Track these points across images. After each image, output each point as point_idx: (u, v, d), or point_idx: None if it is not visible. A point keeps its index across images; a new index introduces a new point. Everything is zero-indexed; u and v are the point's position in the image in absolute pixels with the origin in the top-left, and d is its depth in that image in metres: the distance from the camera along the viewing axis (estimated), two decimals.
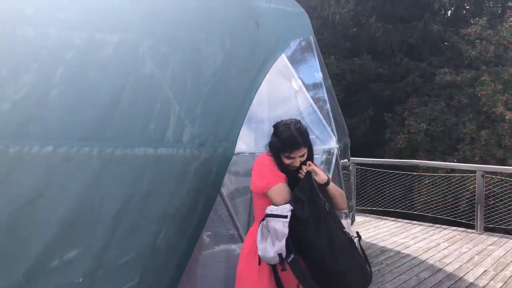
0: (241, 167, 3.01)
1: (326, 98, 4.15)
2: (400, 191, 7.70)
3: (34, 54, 2.11)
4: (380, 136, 12.75)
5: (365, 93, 13.81)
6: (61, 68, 2.15)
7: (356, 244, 2.17)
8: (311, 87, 4.12)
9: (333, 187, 2.24)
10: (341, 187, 3.97)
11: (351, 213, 5.28)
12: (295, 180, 2.19)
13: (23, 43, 2.11)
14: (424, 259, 4.98)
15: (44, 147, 2.02)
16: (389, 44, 13.80)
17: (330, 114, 4.08)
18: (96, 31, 2.31)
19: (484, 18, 13.03)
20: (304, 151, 2.20)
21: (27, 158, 1.98)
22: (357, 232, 2.28)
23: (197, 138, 2.51)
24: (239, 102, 2.81)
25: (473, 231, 6.33)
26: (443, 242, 5.73)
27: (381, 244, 5.65)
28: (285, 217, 1.99)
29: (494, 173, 7.38)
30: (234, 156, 2.70)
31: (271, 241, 2.03)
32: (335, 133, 3.97)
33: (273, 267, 2.11)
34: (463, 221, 6.90)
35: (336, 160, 3.79)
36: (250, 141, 3.17)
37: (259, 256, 2.08)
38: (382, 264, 4.82)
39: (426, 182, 8.67)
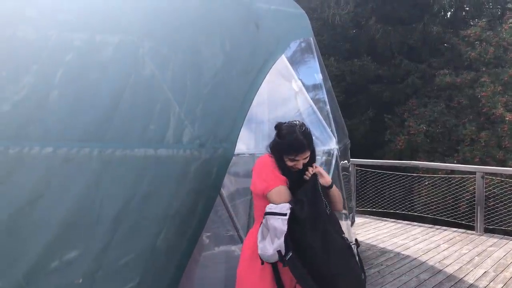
0: (241, 168, 3.01)
1: (326, 99, 4.15)
2: (400, 192, 7.70)
3: (34, 56, 2.12)
4: (380, 137, 12.75)
5: (365, 95, 13.82)
6: (61, 70, 2.16)
7: (354, 251, 2.18)
8: (311, 88, 4.12)
9: (335, 190, 2.27)
10: (341, 188, 3.98)
11: (351, 215, 5.28)
12: (296, 182, 2.20)
13: (23, 45, 2.11)
14: (424, 261, 4.98)
15: (44, 148, 2.02)
16: (388, 46, 13.81)
17: (330, 115, 4.09)
18: (96, 32, 2.32)
19: (483, 20, 13.04)
20: (308, 153, 2.21)
21: (27, 159, 1.98)
22: (356, 240, 2.28)
23: (197, 139, 2.51)
24: (239, 103, 2.81)
25: (473, 232, 6.32)
26: (443, 243, 5.73)
27: (381, 245, 5.65)
28: (284, 215, 2.00)
29: (494, 174, 7.38)
30: (234, 157, 2.71)
31: (270, 239, 2.03)
32: (335, 134, 3.97)
33: (275, 269, 2.11)
34: (463, 222, 6.90)
35: (336, 161, 3.79)
36: (250, 142, 3.17)
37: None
38: (382, 265, 4.82)
39: (426, 183, 8.67)
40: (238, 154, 2.80)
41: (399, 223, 6.93)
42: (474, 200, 6.60)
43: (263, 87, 3.01)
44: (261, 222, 2.14)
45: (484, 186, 6.46)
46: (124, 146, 2.24)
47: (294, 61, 3.84)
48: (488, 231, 6.45)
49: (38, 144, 2.01)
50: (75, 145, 2.10)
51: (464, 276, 4.44)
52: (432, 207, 7.71)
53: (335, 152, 3.79)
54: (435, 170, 9.70)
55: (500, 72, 11.84)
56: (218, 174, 2.61)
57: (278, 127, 2.27)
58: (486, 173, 6.70)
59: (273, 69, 3.17)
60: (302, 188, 2.13)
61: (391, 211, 7.67)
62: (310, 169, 2.21)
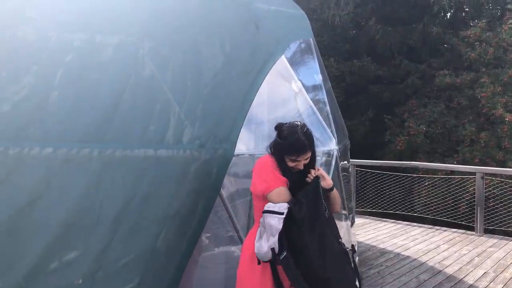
0: (241, 168, 3.01)
1: (326, 100, 4.15)
2: (400, 193, 7.70)
3: (34, 56, 2.12)
4: (380, 138, 12.75)
5: (364, 95, 13.82)
6: (61, 70, 2.15)
7: (351, 258, 2.18)
8: (311, 89, 4.12)
9: (335, 192, 2.28)
10: (340, 189, 3.98)
11: (351, 215, 5.27)
12: (297, 183, 2.20)
13: (23, 45, 2.11)
14: (424, 261, 4.98)
15: (44, 148, 2.02)
16: (388, 46, 13.81)
17: (330, 116, 4.08)
18: (96, 33, 2.32)
19: (483, 20, 13.05)
20: (309, 154, 2.21)
21: (27, 159, 1.98)
22: (352, 245, 2.29)
23: (197, 139, 2.52)
24: (239, 103, 2.81)
25: (473, 233, 6.33)
26: (443, 244, 5.73)
27: (381, 246, 5.65)
28: (281, 214, 2.01)
29: (494, 175, 7.38)
30: (234, 158, 2.71)
31: (266, 237, 2.04)
32: (335, 135, 3.97)
33: (273, 269, 2.11)
34: (463, 223, 6.90)
35: (336, 162, 3.79)
36: (250, 142, 3.18)
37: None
38: (382, 266, 4.82)
39: (426, 184, 8.67)
40: (238, 155, 2.80)
41: (399, 223, 6.94)
42: (474, 201, 6.61)
43: (263, 88, 3.01)
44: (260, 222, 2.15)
45: (484, 186, 6.47)
46: (124, 146, 2.24)
47: (294, 62, 3.84)
48: (488, 231, 6.45)
49: (38, 145, 2.01)
50: (75, 145, 2.10)
51: (464, 277, 4.44)
52: (432, 208, 7.71)
53: (335, 153, 3.79)
54: (435, 171, 9.71)
55: (500, 73, 11.84)
56: (218, 174, 2.61)
57: (279, 127, 2.27)
58: (486, 174, 6.71)
59: (273, 69, 3.17)
60: (303, 189, 2.14)
61: (391, 211, 7.67)
62: (313, 171, 2.21)
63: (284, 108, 3.68)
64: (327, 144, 3.81)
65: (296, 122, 2.27)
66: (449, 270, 4.65)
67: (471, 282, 4.30)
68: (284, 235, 1.99)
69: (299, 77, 3.85)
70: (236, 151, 2.72)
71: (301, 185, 2.21)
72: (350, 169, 5.61)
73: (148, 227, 2.32)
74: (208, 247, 3.09)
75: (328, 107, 4.14)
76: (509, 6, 14.10)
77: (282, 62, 3.45)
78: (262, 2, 3.45)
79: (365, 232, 6.34)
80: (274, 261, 2.00)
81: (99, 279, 2.13)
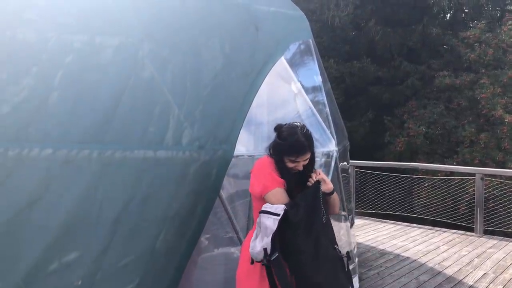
0: (240, 169, 3.01)
1: (325, 101, 4.15)
2: (399, 194, 7.70)
3: (34, 58, 2.12)
4: (380, 139, 12.75)
5: (364, 96, 13.83)
6: (61, 72, 2.16)
7: (346, 264, 2.19)
8: (310, 90, 4.12)
9: (335, 196, 2.30)
10: (340, 190, 3.98)
11: (350, 216, 5.27)
12: (295, 184, 2.20)
13: (23, 47, 2.12)
14: (423, 262, 4.98)
15: (44, 149, 2.02)
16: (388, 47, 13.82)
17: (329, 117, 4.08)
18: (96, 34, 2.32)
19: (483, 21, 13.05)
20: (309, 155, 2.22)
21: (27, 160, 1.98)
22: (348, 252, 2.29)
23: (197, 140, 2.52)
24: (239, 105, 2.82)
25: (473, 234, 6.32)
26: (442, 245, 5.73)
27: (381, 247, 5.65)
28: (277, 215, 2.01)
29: (494, 176, 7.38)
30: (233, 159, 2.71)
31: (261, 237, 2.05)
32: (334, 136, 3.97)
33: (268, 271, 2.11)
34: (462, 224, 6.90)
35: (336, 163, 3.79)
36: (249, 143, 3.17)
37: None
38: (381, 267, 4.82)
39: (426, 185, 8.67)
40: (237, 156, 2.80)
41: (399, 224, 6.94)
42: (473, 202, 6.61)
43: (262, 89, 3.02)
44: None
45: (484, 187, 6.47)
46: (123, 148, 2.25)
47: (294, 63, 3.84)
48: (487, 232, 6.45)
49: (38, 146, 2.01)
50: (74, 146, 2.10)
51: (464, 278, 4.44)
52: (432, 209, 7.71)
53: (335, 154, 3.79)
54: (434, 172, 9.70)
55: (500, 74, 11.85)
56: (218, 175, 2.61)
57: (278, 128, 2.27)
58: (486, 175, 6.71)
59: (272, 71, 3.18)
60: (302, 193, 2.15)
61: (391, 212, 7.67)
62: (314, 175, 2.22)
63: (284, 109, 3.68)
64: (327, 145, 3.81)
65: (295, 123, 2.28)
66: (449, 271, 4.65)
67: (470, 283, 4.30)
68: (278, 237, 2.00)
69: (298, 78, 3.85)
70: (236, 152, 2.72)
71: (299, 187, 2.22)
72: (349, 170, 5.61)
73: (147, 228, 2.32)
74: (208, 248, 3.08)
75: (327, 108, 4.14)
76: (508, 7, 14.12)
77: (282, 64, 3.45)
78: (261, 4, 3.45)
79: (365, 233, 6.34)
80: (265, 261, 2.01)
81: (98, 280, 2.13)
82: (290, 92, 3.73)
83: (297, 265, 2.04)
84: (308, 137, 2.22)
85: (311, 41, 4.22)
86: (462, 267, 4.80)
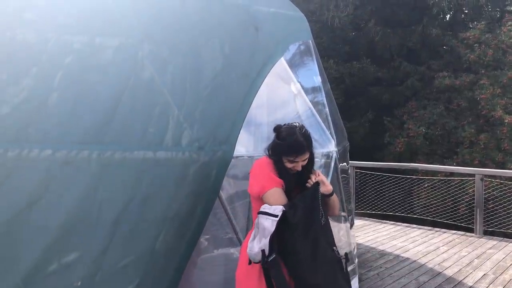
0: (240, 170, 3.01)
1: (325, 102, 4.15)
2: (399, 194, 7.70)
3: (34, 58, 2.12)
4: (379, 139, 12.75)
5: (364, 97, 13.83)
6: (60, 72, 2.16)
7: (345, 266, 2.18)
8: (310, 90, 4.12)
9: (334, 197, 2.30)
10: (340, 191, 3.98)
11: (350, 217, 5.27)
12: (293, 185, 2.20)
13: (23, 47, 2.12)
14: (423, 263, 4.98)
15: (43, 150, 2.02)
16: (388, 48, 13.83)
17: (329, 117, 4.08)
18: (96, 35, 2.32)
19: (482, 22, 13.06)
20: (308, 155, 2.22)
21: (26, 161, 1.98)
22: (346, 254, 2.28)
23: (196, 141, 2.52)
24: (238, 105, 2.82)
25: (473, 234, 6.32)
26: (442, 245, 5.73)
27: (381, 247, 5.65)
28: (276, 216, 2.01)
29: (493, 176, 7.38)
30: (233, 160, 2.71)
31: (258, 238, 2.05)
32: (334, 136, 3.97)
33: (266, 273, 2.11)
34: (462, 224, 6.90)
35: (335, 163, 3.79)
36: (249, 144, 3.17)
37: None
38: (381, 267, 4.81)
39: (425, 185, 8.67)
40: (237, 157, 2.80)
41: (399, 225, 6.94)
42: (473, 203, 6.60)
43: (262, 90, 3.02)
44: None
45: (484, 188, 6.47)
46: (123, 148, 2.25)
47: (293, 64, 3.84)
48: (487, 233, 6.45)
49: (37, 147, 2.01)
50: (74, 147, 2.10)
51: (464, 279, 4.44)
52: (432, 210, 7.71)
53: (334, 155, 3.79)
54: (434, 173, 9.70)
55: (499, 75, 11.85)
56: (217, 176, 2.61)
57: (277, 129, 2.28)
58: (486, 175, 6.71)
59: (272, 71, 3.18)
60: (301, 194, 2.15)
61: (391, 213, 7.67)
62: (313, 176, 2.22)
63: (283, 110, 3.68)
64: (326, 146, 3.81)
65: (294, 123, 2.28)
66: (449, 272, 4.65)
67: (470, 284, 4.30)
68: (276, 238, 2.00)
69: (298, 79, 3.85)
70: (235, 153, 2.72)
71: (299, 187, 2.22)
72: (349, 171, 5.62)
73: (147, 229, 2.32)
74: (207, 249, 3.08)
75: (327, 109, 4.14)
76: (508, 8, 14.13)
77: (282, 64, 3.46)
78: (261, 5, 3.45)
79: (365, 234, 6.34)
80: (262, 263, 2.01)
81: (98, 281, 2.13)
82: (289, 93, 3.73)
83: (294, 266, 2.04)
84: (307, 137, 2.22)
85: (310, 41, 4.23)
86: (462, 267, 4.80)
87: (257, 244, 2.04)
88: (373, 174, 7.86)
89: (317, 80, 4.23)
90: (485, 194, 6.59)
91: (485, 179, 6.67)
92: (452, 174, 8.67)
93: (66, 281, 2.05)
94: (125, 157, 2.24)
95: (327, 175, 3.64)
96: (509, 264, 4.90)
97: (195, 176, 2.49)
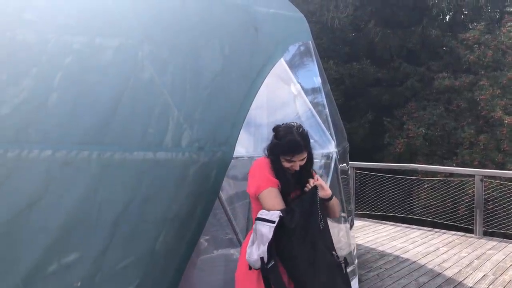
0: (240, 171, 3.01)
1: (325, 103, 4.15)
2: (399, 195, 7.70)
3: (34, 59, 2.12)
4: (379, 140, 12.76)
5: (364, 98, 13.84)
6: (60, 73, 2.16)
7: (345, 270, 2.18)
8: (310, 91, 4.12)
9: (334, 201, 2.30)
10: (340, 192, 3.97)
11: (350, 218, 5.27)
12: (291, 185, 2.20)
13: (23, 48, 2.12)
14: (423, 264, 4.98)
15: (43, 151, 2.02)
16: (388, 49, 13.84)
17: (329, 118, 4.08)
18: (96, 36, 2.32)
19: (482, 23, 13.07)
20: (305, 155, 2.22)
21: (26, 162, 1.98)
22: (345, 258, 2.28)
23: (196, 142, 2.52)
24: (238, 106, 2.82)
25: (472, 235, 6.32)
26: (442, 246, 5.73)
27: (380, 248, 5.64)
28: (273, 222, 2.01)
29: (493, 177, 7.39)
30: (232, 160, 2.71)
31: (257, 244, 2.04)
32: (334, 137, 3.97)
33: (265, 278, 2.11)
34: (462, 225, 6.90)
35: (335, 164, 3.79)
36: (249, 145, 3.17)
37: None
38: (381, 268, 4.81)
39: (425, 186, 8.67)
40: (237, 157, 2.80)
41: (398, 226, 6.94)
42: (473, 203, 6.61)
43: (262, 91, 3.02)
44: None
45: (483, 189, 6.47)
46: (123, 149, 2.25)
47: (293, 65, 3.84)
48: (487, 234, 6.46)
49: (37, 147, 2.01)
50: (74, 148, 2.10)
51: (463, 279, 4.44)
52: (431, 210, 7.71)
53: (334, 155, 3.79)
54: (434, 173, 9.70)
55: (499, 75, 11.87)
56: (217, 177, 2.61)
57: (275, 129, 2.29)
58: (485, 176, 6.71)
59: (272, 72, 3.18)
60: (299, 198, 2.15)
61: (390, 214, 7.67)
62: (312, 181, 2.22)
63: (283, 111, 3.68)
64: (326, 146, 3.81)
65: (292, 123, 2.29)
66: (448, 273, 4.65)
67: (470, 285, 4.30)
68: (274, 245, 2.00)
69: (298, 79, 3.85)
70: (235, 154, 2.72)
71: (298, 188, 2.22)
72: (349, 172, 5.62)
73: (147, 230, 2.32)
74: (207, 250, 3.08)
75: (327, 110, 4.14)
76: (508, 9, 14.14)
77: (281, 65, 3.46)
78: (261, 5, 3.46)
79: (365, 235, 6.34)
80: (262, 270, 2.01)
81: (98, 281, 2.13)
82: (289, 94, 3.73)
83: (293, 270, 2.05)
84: (304, 137, 2.22)
85: (310, 42, 4.23)
86: (462, 268, 4.79)
87: (255, 250, 2.04)
88: (373, 175, 7.86)
89: (317, 81, 4.23)
90: (485, 195, 6.60)
91: (485, 179, 6.67)
92: (451, 175, 8.67)
93: (66, 281, 2.05)
94: (125, 157, 2.24)
95: (327, 176, 3.64)
96: (509, 265, 4.90)
97: (195, 177, 2.49)
